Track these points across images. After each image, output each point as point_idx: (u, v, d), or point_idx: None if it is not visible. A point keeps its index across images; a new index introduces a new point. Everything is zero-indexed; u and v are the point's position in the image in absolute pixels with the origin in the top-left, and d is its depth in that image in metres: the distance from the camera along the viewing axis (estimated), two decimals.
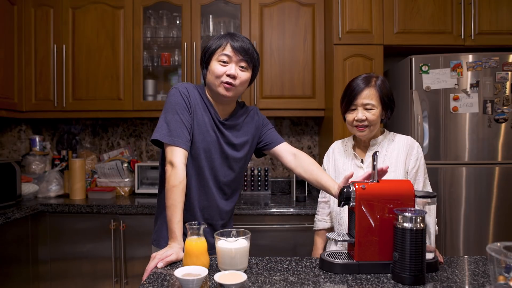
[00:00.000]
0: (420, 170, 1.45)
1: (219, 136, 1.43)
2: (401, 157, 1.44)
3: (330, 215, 1.58)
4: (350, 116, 1.46)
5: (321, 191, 1.61)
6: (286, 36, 2.63)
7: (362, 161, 1.50)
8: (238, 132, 1.48)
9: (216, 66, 1.37)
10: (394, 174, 1.41)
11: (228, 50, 1.36)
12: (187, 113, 1.37)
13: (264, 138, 1.56)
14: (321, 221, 1.61)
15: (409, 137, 1.51)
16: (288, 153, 1.53)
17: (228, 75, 1.35)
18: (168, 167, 1.31)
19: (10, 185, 2.30)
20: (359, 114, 1.43)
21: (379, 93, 1.43)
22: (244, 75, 1.39)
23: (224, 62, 1.36)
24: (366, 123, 1.43)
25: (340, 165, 1.54)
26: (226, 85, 1.36)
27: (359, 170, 1.48)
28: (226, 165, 1.45)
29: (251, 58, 1.39)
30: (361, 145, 1.53)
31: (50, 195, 2.62)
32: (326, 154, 1.64)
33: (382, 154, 1.48)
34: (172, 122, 1.34)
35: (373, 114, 1.42)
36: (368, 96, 1.43)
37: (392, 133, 1.54)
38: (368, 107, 1.43)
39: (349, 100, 1.46)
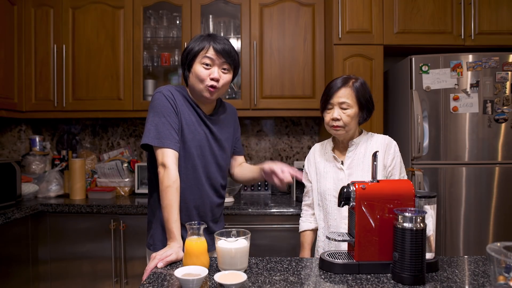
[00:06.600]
0: (395, 169, 1.50)
1: (207, 132, 1.46)
2: (379, 156, 1.46)
3: (314, 217, 1.62)
4: (327, 116, 1.50)
5: (303, 195, 1.68)
6: (286, 36, 2.63)
7: (342, 163, 1.52)
8: (221, 129, 1.52)
9: (200, 69, 1.38)
10: None
11: (210, 53, 1.38)
12: (174, 115, 1.37)
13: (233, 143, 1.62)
14: (305, 222, 1.65)
15: (387, 136, 1.55)
16: (238, 164, 1.65)
17: (212, 79, 1.38)
18: (160, 169, 1.32)
19: (10, 185, 2.30)
20: (335, 113, 1.46)
21: (355, 93, 1.46)
22: (227, 77, 1.42)
23: (207, 64, 1.38)
24: (341, 123, 1.46)
25: (321, 168, 1.57)
26: (211, 89, 1.39)
27: (340, 172, 1.51)
28: (214, 161, 1.48)
29: (233, 60, 1.42)
30: (340, 147, 1.57)
31: (50, 195, 2.62)
32: (307, 158, 1.67)
33: (361, 154, 1.50)
34: (159, 124, 1.35)
35: (348, 114, 1.46)
36: (344, 95, 1.46)
37: (370, 133, 1.58)
38: (343, 106, 1.46)
39: (326, 98, 1.50)
